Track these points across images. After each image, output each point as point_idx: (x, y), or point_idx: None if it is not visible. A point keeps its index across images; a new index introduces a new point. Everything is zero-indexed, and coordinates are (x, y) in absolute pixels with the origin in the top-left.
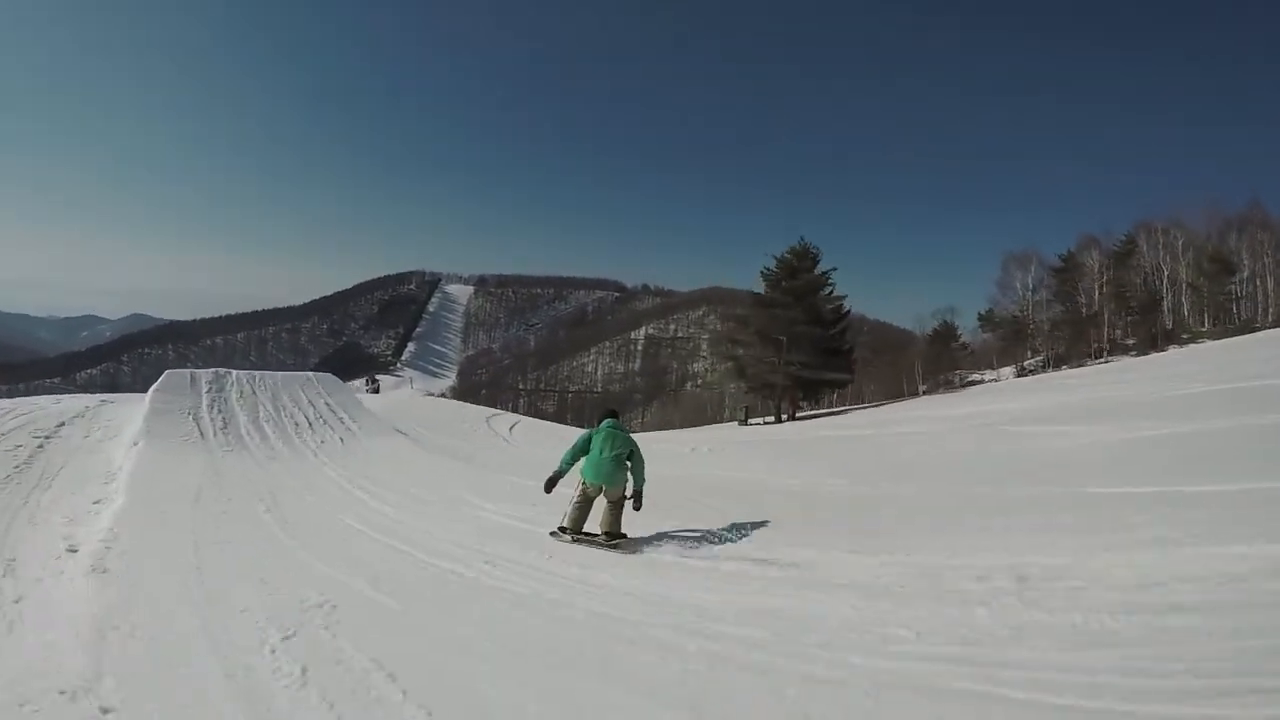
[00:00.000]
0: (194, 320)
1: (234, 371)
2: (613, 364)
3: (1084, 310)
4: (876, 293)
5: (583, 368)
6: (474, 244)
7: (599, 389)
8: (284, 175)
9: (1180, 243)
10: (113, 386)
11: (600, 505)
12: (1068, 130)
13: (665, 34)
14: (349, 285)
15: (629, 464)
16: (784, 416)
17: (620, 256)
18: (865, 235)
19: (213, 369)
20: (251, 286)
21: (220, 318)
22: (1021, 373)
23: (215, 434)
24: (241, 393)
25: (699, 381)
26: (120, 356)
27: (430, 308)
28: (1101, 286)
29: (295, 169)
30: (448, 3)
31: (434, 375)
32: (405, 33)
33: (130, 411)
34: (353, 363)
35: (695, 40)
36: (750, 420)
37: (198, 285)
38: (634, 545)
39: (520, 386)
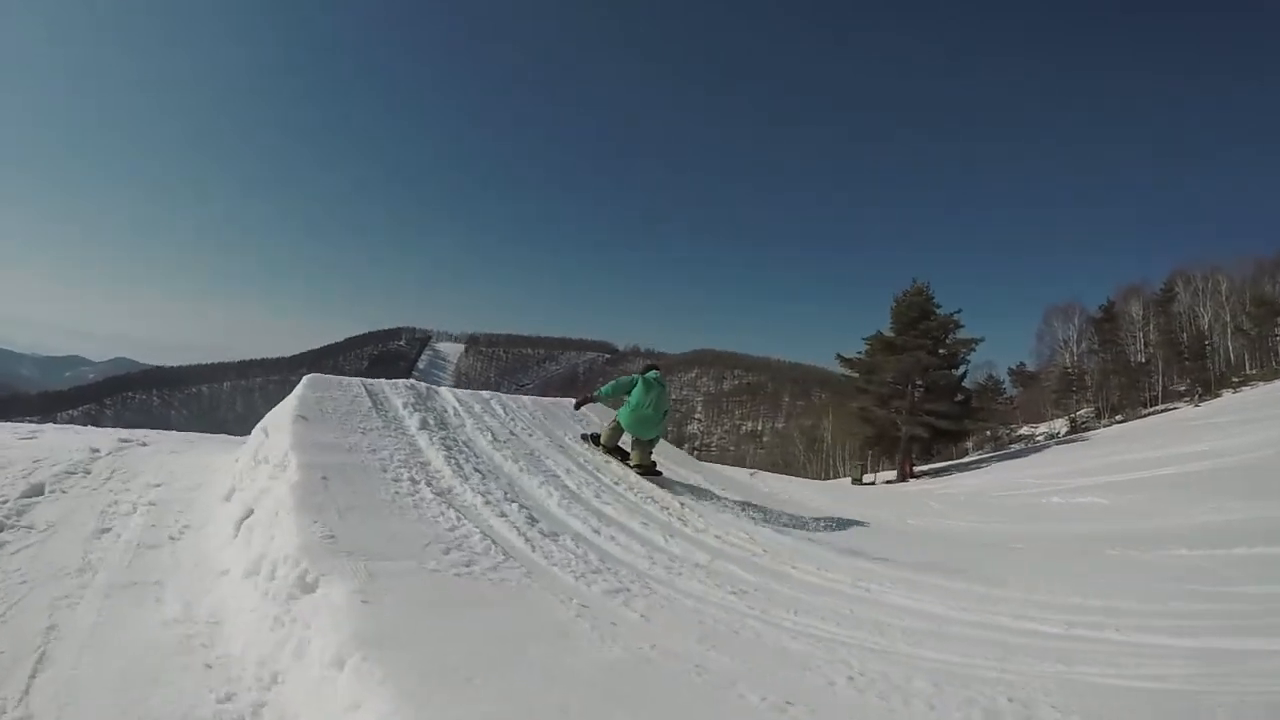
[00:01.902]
0: (180, 367)
1: (445, 390)
2: (604, 423)
3: (1132, 359)
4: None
5: None
6: (464, 303)
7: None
8: (275, 229)
9: (1224, 288)
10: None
11: (628, 441)
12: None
13: (660, 105)
14: (339, 339)
15: (663, 422)
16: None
17: (611, 318)
18: (868, 291)
19: (394, 381)
20: (239, 337)
21: (206, 365)
22: (1074, 425)
23: (530, 541)
24: (495, 435)
25: (700, 442)
26: (103, 399)
27: (420, 364)
28: (1147, 335)
29: (287, 222)
30: (447, 65)
31: None
32: (400, 92)
33: (209, 473)
34: None
35: (690, 113)
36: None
37: (184, 333)
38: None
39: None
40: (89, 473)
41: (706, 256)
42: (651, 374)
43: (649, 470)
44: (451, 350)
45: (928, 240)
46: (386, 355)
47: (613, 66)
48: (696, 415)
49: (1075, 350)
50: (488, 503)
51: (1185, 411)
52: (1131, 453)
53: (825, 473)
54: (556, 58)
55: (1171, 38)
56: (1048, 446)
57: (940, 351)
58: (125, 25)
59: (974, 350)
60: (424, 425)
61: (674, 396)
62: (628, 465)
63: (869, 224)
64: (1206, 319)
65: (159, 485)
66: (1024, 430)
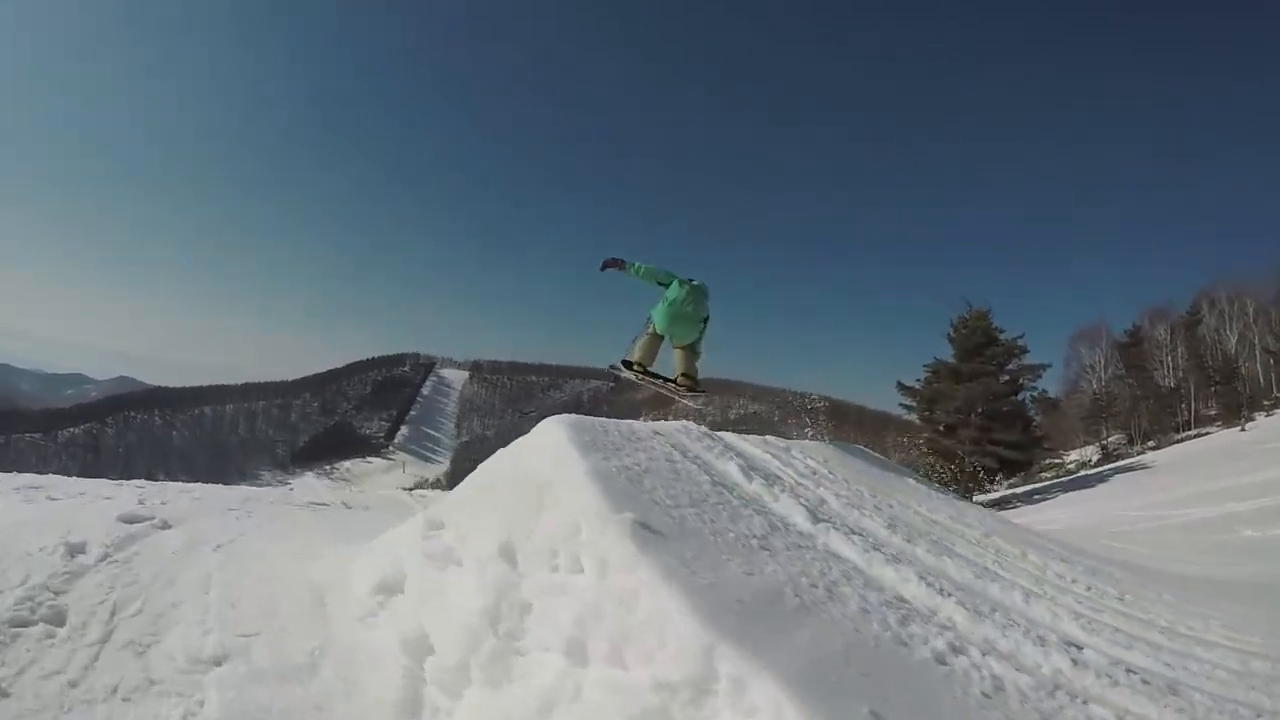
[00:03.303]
0: (182, 388)
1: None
2: None
3: (1160, 384)
4: (870, 374)
5: None
6: (468, 329)
7: None
8: (278, 252)
9: (1252, 309)
10: (95, 448)
11: (667, 353)
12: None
13: (664, 125)
14: (341, 364)
15: (702, 328)
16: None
17: (616, 346)
18: (878, 319)
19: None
20: (242, 359)
21: (209, 387)
22: (1105, 453)
23: None
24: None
25: None
26: (105, 418)
27: (424, 391)
28: (1175, 359)
29: (289, 245)
30: (449, 88)
31: (427, 460)
32: (402, 113)
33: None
34: (344, 442)
35: (695, 138)
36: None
37: (187, 353)
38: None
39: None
40: (52, 635)
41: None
42: (698, 280)
43: (693, 386)
44: (456, 377)
45: (934, 260)
46: (390, 381)
47: (613, 90)
48: None
49: (1103, 375)
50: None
51: (1226, 437)
52: (1220, 479)
53: None
54: (556, 62)
55: (1202, 38)
56: (1105, 476)
57: (1003, 379)
58: (115, 37)
59: (1040, 376)
60: (808, 512)
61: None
62: (669, 384)
63: (873, 243)
64: (1233, 341)
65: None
66: (1050, 459)
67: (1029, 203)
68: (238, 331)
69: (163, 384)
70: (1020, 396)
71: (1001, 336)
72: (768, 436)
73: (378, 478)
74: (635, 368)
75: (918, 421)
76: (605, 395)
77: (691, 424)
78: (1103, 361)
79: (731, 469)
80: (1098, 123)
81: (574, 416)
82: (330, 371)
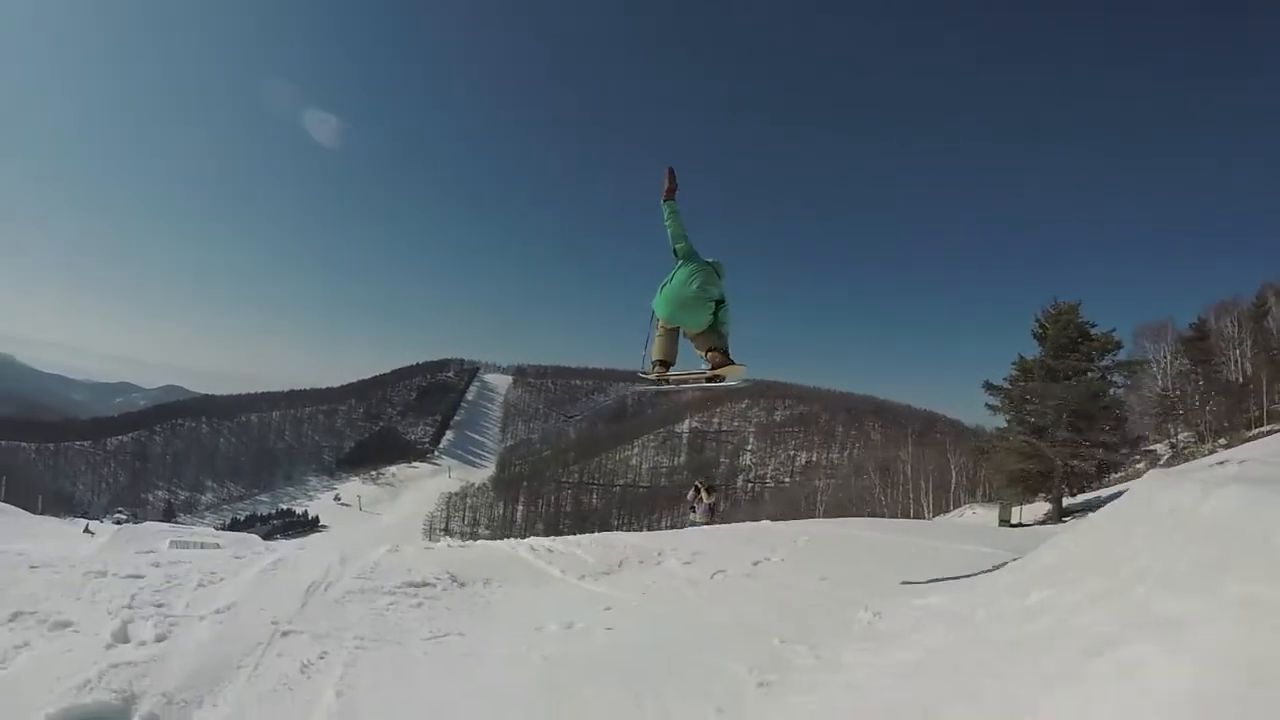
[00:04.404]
0: (228, 395)
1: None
2: (658, 457)
3: (1228, 378)
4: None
5: (626, 461)
6: (510, 334)
7: (646, 482)
8: (322, 261)
9: None
10: (143, 455)
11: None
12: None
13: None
14: (386, 370)
15: (715, 313)
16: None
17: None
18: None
19: None
20: (287, 366)
21: (255, 394)
22: (1174, 450)
23: None
24: None
25: (754, 474)
26: (153, 426)
27: (469, 396)
28: (1243, 352)
29: (334, 255)
30: (493, 96)
31: (473, 465)
32: (449, 122)
33: None
34: (390, 448)
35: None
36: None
37: (234, 362)
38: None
39: (562, 479)
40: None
41: (757, 288)
42: (710, 258)
43: (724, 360)
44: (500, 382)
45: (986, 260)
46: (434, 387)
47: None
48: (749, 447)
49: (1168, 371)
50: None
51: None
52: None
53: (905, 510)
54: (595, 66)
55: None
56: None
57: (1096, 376)
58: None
59: (1137, 373)
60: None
61: (725, 428)
62: (703, 375)
63: (918, 246)
64: None
65: None
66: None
67: (1088, 199)
68: (283, 340)
69: (211, 392)
70: (1113, 395)
71: (1093, 331)
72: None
73: (424, 482)
74: (656, 370)
75: (1005, 422)
76: (650, 399)
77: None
78: (1168, 357)
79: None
80: (1156, 116)
81: None
82: (375, 378)
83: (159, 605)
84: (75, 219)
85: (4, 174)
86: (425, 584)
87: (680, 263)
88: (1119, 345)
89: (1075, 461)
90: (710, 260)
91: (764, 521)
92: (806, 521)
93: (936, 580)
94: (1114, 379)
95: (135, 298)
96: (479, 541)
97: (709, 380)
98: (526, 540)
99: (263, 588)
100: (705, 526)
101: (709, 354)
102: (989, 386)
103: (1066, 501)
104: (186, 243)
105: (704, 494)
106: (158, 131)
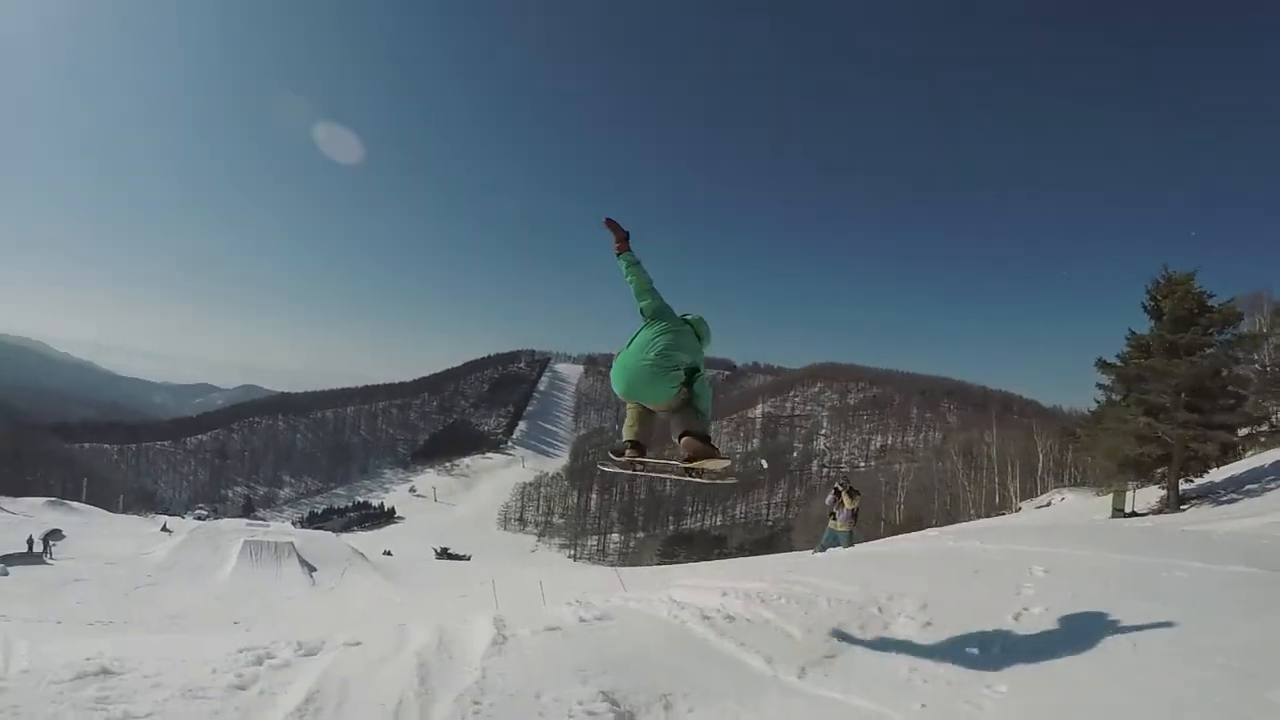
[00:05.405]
0: (304, 393)
1: None
2: (731, 443)
3: None
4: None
5: None
6: (581, 324)
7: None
8: (392, 259)
9: None
10: (222, 453)
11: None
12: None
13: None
14: (458, 364)
15: (683, 385)
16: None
17: (727, 334)
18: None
19: None
20: (360, 363)
21: (330, 391)
22: (1274, 428)
23: None
24: None
25: (829, 459)
26: (230, 424)
27: (541, 386)
28: None
29: (404, 256)
30: (559, 97)
31: (546, 454)
32: (514, 126)
33: None
34: (464, 439)
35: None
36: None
37: (310, 360)
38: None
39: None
40: None
41: (822, 267)
42: (693, 316)
43: (701, 452)
44: (571, 371)
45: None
46: (506, 379)
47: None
48: (823, 431)
49: (1267, 343)
50: None
51: None
52: None
53: (990, 496)
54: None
55: None
56: None
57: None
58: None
59: (1259, 347)
60: None
61: (797, 412)
62: (675, 468)
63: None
64: None
65: None
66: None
67: (1179, 166)
68: (357, 338)
69: (287, 390)
70: (1234, 371)
71: (1211, 302)
72: None
73: (497, 472)
74: (625, 455)
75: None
76: (721, 384)
77: None
78: (1266, 327)
79: None
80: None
81: None
82: (448, 371)
83: None
84: (152, 233)
85: (93, 194)
86: None
87: (646, 323)
88: (1240, 317)
89: (1197, 445)
90: (688, 317)
91: (927, 532)
92: (962, 530)
93: None
94: (1235, 354)
95: (212, 303)
96: (614, 602)
97: (687, 474)
98: (677, 592)
99: None
100: (843, 534)
101: (681, 440)
102: (1102, 364)
103: (1182, 487)
104: (261, 247)
105: (846, 497)
106: (227, 141)
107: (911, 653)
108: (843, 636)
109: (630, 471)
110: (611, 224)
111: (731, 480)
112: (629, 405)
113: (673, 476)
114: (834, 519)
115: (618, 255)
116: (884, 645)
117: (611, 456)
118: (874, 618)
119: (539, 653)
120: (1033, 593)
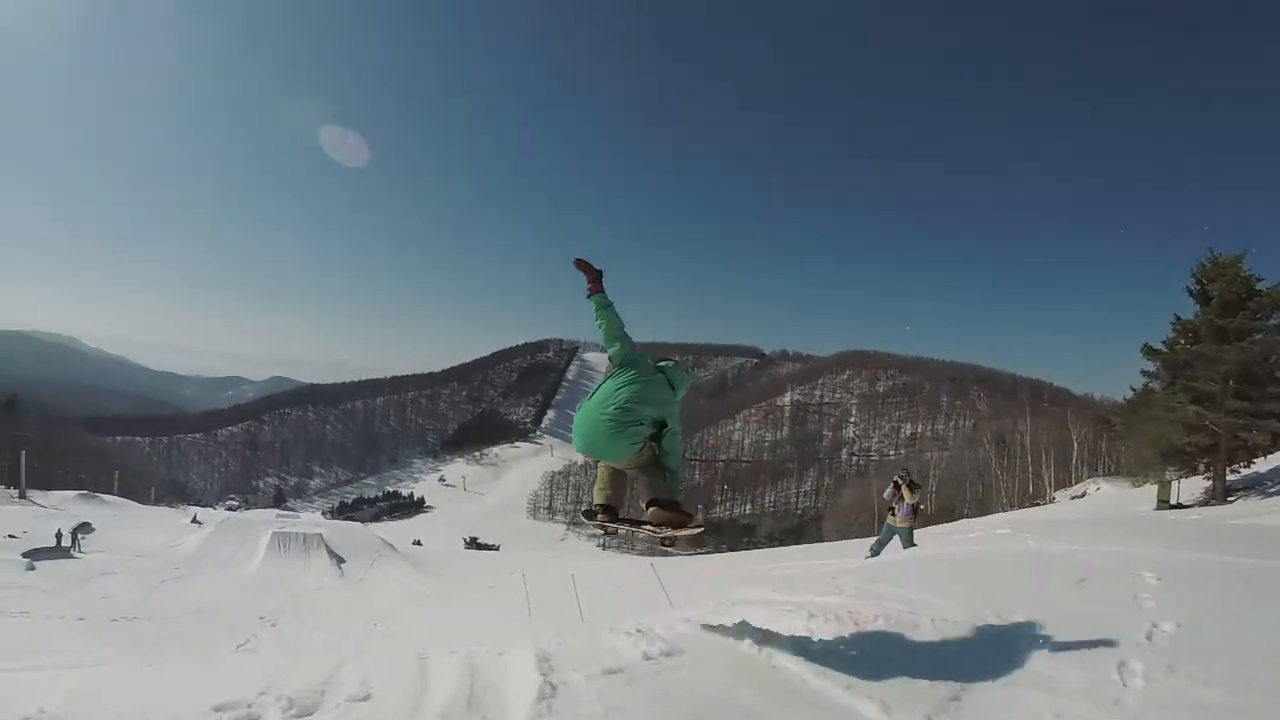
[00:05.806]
0: (334, 384)
1: None
2: (760, 431)
3: None
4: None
5: (729, 435)
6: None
7: (749, 457)
8: (423, 252)
9: None
10: (253, 444)
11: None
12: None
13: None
14: (486, 353)
15: (650, 440)
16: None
17: (755, 322)
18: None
19: None
20: (389, 354)
21: (359, 382)
22: None
23: None
24: None
25: (859, 447)
26: (261, 416)
27: (569, 375)
28: None
29: (433, 246)
30: (589, 94)
31: None
32: (541, 123)
33: None
34: (492, 429)
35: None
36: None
37: (338, 351)
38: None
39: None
40: None
41: (850, 254)
42: (665, 363)
43: (668, 519)
44: (599, 360)
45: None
46: (534, 368)
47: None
48: (852, 419)
49: None
50: None
51: None
52: None
53: (1025, 485)
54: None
55: None
56: None
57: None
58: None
59: None
60: None
61: (827, 400)
62: (643, 528)
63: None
64: None
65: None
66: None
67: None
68: (386, 328)
69: (317, 381)
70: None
71: (1260, 286)
72: None
73: (526, 461)
74: (600, 516)
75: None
76: (749, 373)
77: None
78: None
79: None
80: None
81: None
82: (476, 361)
83: None
84: (183, 231)
85: (124, 193)
86: None
87: (613, 371)
88: None
89: (1246, 434)
90: (663, 364)
91: (993, 528)
92: (1013, 521)
93: None
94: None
95: (242, 296)
96: (681, 629)
97: (660, 541)
98: (751, 612)
99: None
100: (903, 531)
101: (648, 509)
102: (1148, 351)
103: (1229, 477)
104: (291, 242)
105: (906, 491)
106: (257, 140)
107: (1044, 688)
108: (962, 670)
109: (601, 529)
110: (583, 265)
111: (697, 533)
112: (599, 464)
113: (646, 535)
114: (893, 514)
115: (589, 296)
116: (1011, 679)
117: (584, 517)
118: (989, 642)
119: (598, 707)
120: (1154, 605)
